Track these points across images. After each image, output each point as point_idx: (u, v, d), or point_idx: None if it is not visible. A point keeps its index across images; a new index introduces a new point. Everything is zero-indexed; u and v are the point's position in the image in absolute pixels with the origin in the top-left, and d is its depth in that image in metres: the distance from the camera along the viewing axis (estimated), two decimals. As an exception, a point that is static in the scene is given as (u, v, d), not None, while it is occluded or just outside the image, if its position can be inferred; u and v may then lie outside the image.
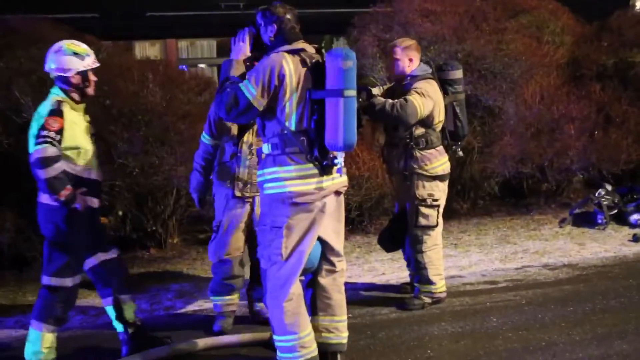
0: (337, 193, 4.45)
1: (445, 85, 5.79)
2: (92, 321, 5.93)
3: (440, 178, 5.76)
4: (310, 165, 4.24)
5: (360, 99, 4.84)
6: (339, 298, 4.58)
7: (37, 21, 8.63)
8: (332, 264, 4.54)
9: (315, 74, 4.23)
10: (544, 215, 9.33)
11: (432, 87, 5.62)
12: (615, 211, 8.52)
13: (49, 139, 4.51)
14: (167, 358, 4.91)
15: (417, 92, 5.49)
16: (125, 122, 7.57)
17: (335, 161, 4.24)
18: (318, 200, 4.28)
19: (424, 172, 5.66)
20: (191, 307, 6.20)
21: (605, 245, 7.78)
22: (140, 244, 8.25)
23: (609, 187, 8.68)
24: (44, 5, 10.71)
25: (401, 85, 5.75)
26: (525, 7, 10.15)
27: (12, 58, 7.76)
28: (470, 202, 9.84)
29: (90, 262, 4.91)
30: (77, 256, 4.81)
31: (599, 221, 8.44)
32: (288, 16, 4.39)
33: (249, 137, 5.35)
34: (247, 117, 4.33)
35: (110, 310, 4.99)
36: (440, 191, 5.78)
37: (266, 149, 4.35)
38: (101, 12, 14.04)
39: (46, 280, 4.75)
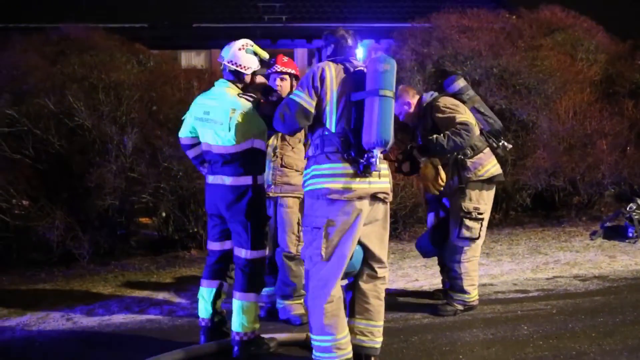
0: (382, 200, 4.61)
1: (456, 97, 5.89)
2: (135, 317, 6.16)
3: (493, 181, 5.87)
4: (346, 164, 4.44)
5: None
6: (377, 304, 4.74)
7: (90, 30, 8.98)
8: (374, 270, 4.71)
9: (358, 80, 4.52)
10: (575, 228, 9.47)
11: (450, 100, 5.77)
12: (647, 225, 8.63)
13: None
14: (208, 355, 5.13)
15: (451, 111, 5.62)
16: (171, 127, 7.85)
17: (371, 160, 4.39)
18: (354, 202, 4.44)
19: (480, 178, 5.77)
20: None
21: (635, 258, 7.89)
22: (182, 244, 8.54)
23: (641, 202, 8.79)
24: (96, 15, 11.10)
25: (418, 120, 5.91)
26: (561, 25, 10.31)
27: (66, 64, 8.12)
28: (503, 212, 10.01)
29: (225, 245, 5.22)
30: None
31: (630, 234, 8.57)
32: (345, 37, 4.74)
33: (274, 141, 5.73)
34: (300, 120, 4.56)
35: (209, 293, 5.21)
36: (485, 203, 5.87)
37: (310, 151, 4.64)
38: (150, 22, 14.43)
39: (252, 254, 5.04)
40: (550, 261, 7.81)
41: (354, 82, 4.53)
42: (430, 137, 5.56)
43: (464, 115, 5.64)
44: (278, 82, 5.76)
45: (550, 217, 10.09)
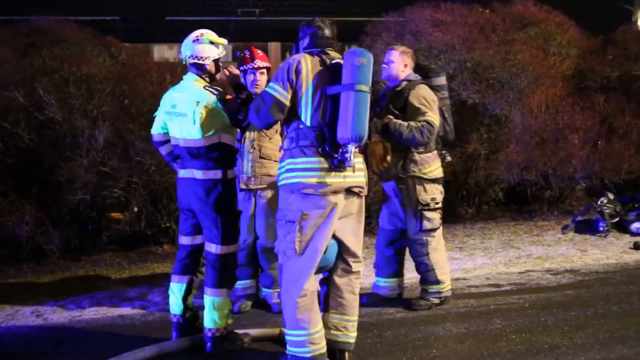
0: (356, 195, 4.60)
1: (433, 91, 5.86)
2: (106, 313, 6.11)
3: (437, 181, 5.89)
4: (321, 159, 4.43)
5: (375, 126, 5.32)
6: (351, 298, 4.74)
7: (61, 22, 8.87)
8: (348, 264, 4.70)
9: (334, 73, 4.48)
10: (547, 222, 9.54)
11: (431, 94, 5.73)
12: (617, 219, 8.72)
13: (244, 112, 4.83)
14: (180, 351, 5.09)
15: (425, 107, 5.60)
16: (143, 121, 7.76)
17: (346, 155, 4.39)
18: (329, 196, 4.43)
19: (423, 176, 5.78)
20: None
21: (606, 252, 7.97)
22: (154, 239, 8.46)
23: (611, 196, 8.86)
24: (67, 8, 10.92)
25: (394, 89, 5.81)
26: (533, 20, 10.35)
27: (36, 57, 8.00)
28: (475, 207, 10.06)
29: (195, 240, 5.17)
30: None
31: (601, 229, 8.65)
32: (322, 29, 4.68)
33: (251, 133, 5.73)
34: (275, 114, 4.53)
35: (180, 289, 5.17)
36: (439, 193, 5.91)
37: (285, 143, 4.62)
38: (122, 15, 14.30)
39: (222, 249, 4.99)
40: (522, 255, 7.87)
41: (330, 75, 4.49)
42: (395, 121, 5.55)
43: (435, 116, 5.65)
44: (258, 76, 5.74)
45: (522, 211, 10.15)
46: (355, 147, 4.46)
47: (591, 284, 6.73)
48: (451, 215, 9.66)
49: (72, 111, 7.72)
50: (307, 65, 4.50)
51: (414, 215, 5.83)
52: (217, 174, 4.93)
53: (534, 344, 5.18)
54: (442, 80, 6.05)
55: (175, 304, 5.20)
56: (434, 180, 5.84)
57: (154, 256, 8.10)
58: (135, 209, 8.31)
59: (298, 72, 4.48)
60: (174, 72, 8.38)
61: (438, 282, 5.94)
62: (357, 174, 4.56)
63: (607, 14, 12.67)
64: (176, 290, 5.19)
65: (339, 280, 4.72)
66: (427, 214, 5.81)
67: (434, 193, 5.85)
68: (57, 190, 7.75)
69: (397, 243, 6.13)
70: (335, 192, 4.46)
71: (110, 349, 4.99)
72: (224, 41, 5.07)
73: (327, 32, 4.70)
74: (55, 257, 7.77)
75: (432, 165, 5.84)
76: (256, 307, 6.06)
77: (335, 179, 4.45)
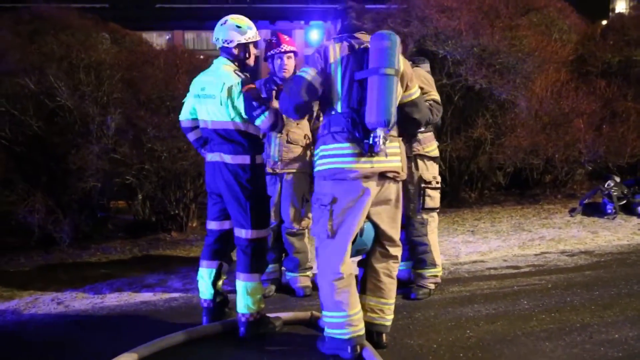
0: (392, 180, 4.58)
1: None
2: (128, 299, 6.07)
3: (436, 160, 5.91)
4: (352, 144, 4.41)
5: None
6: (388, 282, 4.74)
7: (63, 9, 8.76)
8: (385, 248, 4.70)
9: (362, 58, 4.46)
10: (553, 205, 9.63)
11: (429, 75, 5.76)
12: (624, 202, 8.82)
13: (264, 106, 4.78)
14: (214, 334, 5.08)
15: (428, 86, 5.60)
16: (153, 108, 7.73)
17: (376, 140, 4.35)
18: (360, 181, 4.42)
19: (426, 154, 5.78)
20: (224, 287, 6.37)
21: (617, 233, 8.05)
22: (161, 227, 8.44)
23: (617, 179, 8.96)
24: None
25: None
26: (536, 6, 10.42)
27: (43, 44, 7.89)
28: (478, 192, 10.12)
29: (224, 225, 5.14)
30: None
31: (609, 211, 8.74)
32: (350, 15, 4.67)
33: None
34: (305, 95, 4.49)
35: (209, 274, 5.16)
36: (437, 172, 5.92)
37: (319, 131, 4.64)
38: (111, 2, 14.14)
39: (253, 234, 4.95)
40: (535, 238, 7.92)
41: (358, 60, 4.47)
42: None
43: (437, 94, 5.68)
44: (285, 60, 5.73)
45: (525, 195, 10.24)
46: (384, 132, 4.42)
47: (608, 265, 6.78)
48: (455, 200, 9.75)
49: (83, 98, 7.64)
50: (335, 51, 4.50)
51: (416, 193, 5.82)
52: (245, 159, 4.91)
53: (565, 323, 5.20)
54: (427, 67, 5.98)
55: (206, 289, 5.18)
56: (434, 159, 5.87)
57: (163, 243, 8.07)
58: (140, 197, 8.26)
59: (326, 59, 4.48)
60: (182, 58, 8.34)
61: (434, 264, 5.91)
62: (390, 159, 4.52)
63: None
64: (205, 275, 5.17)
65: (376, 264, 4.72)
66: (430, 192, 5.81)
67: (435, 171, 5.87)
68: (67, 178, 7.68)
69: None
70: (366, 177, 4.45)
71: (139, 335, 4.95)
72: (249, 24, 5.03)
73: (355, 16, 4.68)
74: (65, 246, 7.70)
75: (433, 143, 5.86)
76: (280, 291, 6.06)
77: (365, 165, 4.42)
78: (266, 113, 4.75)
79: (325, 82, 4.49)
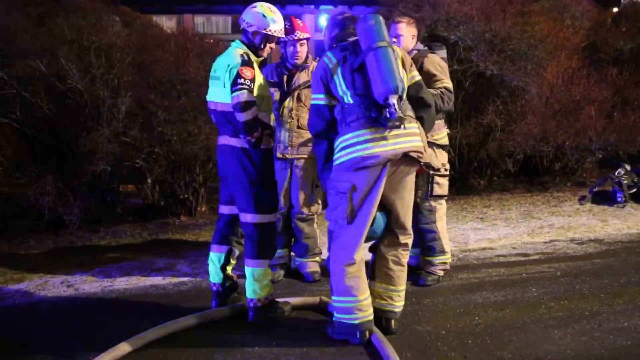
0: (413, 160, 4.54)
1: None
2: (137, 283, 6.09)
3: (445, 148, 5.90)
4: (370, 129, 4.39)
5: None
6: (397, 269, 4.76)
7: (73, -8, 8.75)
8: (396, 236, 4.72)
9: (355, 49, 4.54)
10: (562, 193, 9.61)
11: (442, 61, 5.73)
12: (634, 190, 8.77)
13: (245, 86, 4.71)
14: (224, 318, 5.11)
15: (441, 73, 5.58)
16: (164, 92, 7.72)
17: (391, 110, 4.29)
18: (379, 167, 4.41)
19: (435, 141, 5.75)
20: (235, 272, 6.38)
21: (627, 222, 8.02)
22: (170, 211, 8.45)
23: (628, 167, 8.92)
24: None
25: None
26: (548, -9, 10.36)
27: (53, 26, 7.88)
28: (487, 179, 10.09)
29: (234, 209, 5.12)
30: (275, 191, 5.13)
31: (619, 199, 8.70)
32: (346, 24, 4.72)
33: (289, 103, 5.74)
34: (319, 120, 4.61)
35: (218, 259, 5.18)
36: (447, 161, 5.92)
37: (337, 126, 4.61)
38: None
39: (257, 218, 4.94)
40: (544, 225, 7.90)
41: (352, 52, 4.55)
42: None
43: (449, 82, 5.65)
44: (298, 47, 5.75)
45: (534, 183, 10.21)
46: (397, 100, 4.34)
47: (618, 253, 6.76)
48: (464, 187, 9.73)
49: (94, 81, 7.64)
50: (331, 59, 4.57)
51: (425, 181, 5.81)
52: (246, 143, 4.90)
53: (574, 310, 5.20)
54: (443, 53, 5.98)
55: (215, 273, 5.19)
56: (443, 147, 5.86)
57: (172, 227, 8.08)
58: (149, 181, 8.27)
59: (326, 71, 4.55)
60: (193, 42, 8.31)
61: (443, 251, 5.92)
62: (411, 138, 4.48)
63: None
64: (215, 260, 5.18)
65: (386, 250, 4.75)
66: (438, 179, 5.82)
67: (444, 159, 5.87)
68: (78, 160, 7.69)
69: None
70: (388, 158, 4.41)
71: (149, 318, 4.99)
72: (275, 18, 4.99)
73: (350, 24, 4.70)
74: (75, 228, 7.72)
75: (442, 131, 5.84)
76: (288, 276, 6.09)
77: (386, 148, 4.39)
78: (243, 91, 4.69)
79: (333, 90, 4.55)
